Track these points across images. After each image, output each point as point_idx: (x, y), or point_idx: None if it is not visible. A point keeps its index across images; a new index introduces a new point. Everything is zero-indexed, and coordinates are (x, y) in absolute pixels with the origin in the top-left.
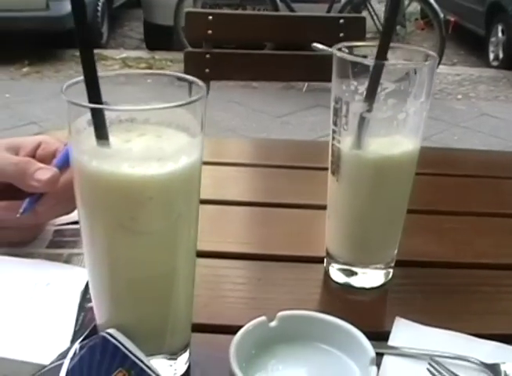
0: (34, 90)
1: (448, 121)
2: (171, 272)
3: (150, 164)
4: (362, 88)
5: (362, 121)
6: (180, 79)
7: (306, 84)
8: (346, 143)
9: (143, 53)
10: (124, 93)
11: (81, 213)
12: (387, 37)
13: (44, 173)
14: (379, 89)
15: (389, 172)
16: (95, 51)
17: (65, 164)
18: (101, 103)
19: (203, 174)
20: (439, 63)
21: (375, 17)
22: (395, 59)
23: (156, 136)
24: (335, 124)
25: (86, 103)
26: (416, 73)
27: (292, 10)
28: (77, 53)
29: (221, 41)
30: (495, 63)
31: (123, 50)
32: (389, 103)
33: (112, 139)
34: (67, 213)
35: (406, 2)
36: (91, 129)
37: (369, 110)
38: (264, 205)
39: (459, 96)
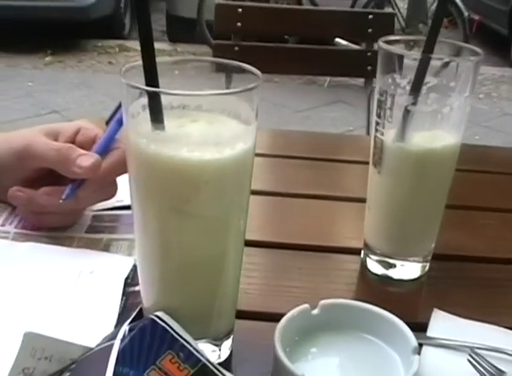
0: (57, 79)
1: (470, 120)
2: (220, 257)
3: (208, 148)
4: (407, 82)
5: (406, 113)
6: (233, 67)
7: (328, 79)
8: (389, 136)
9: (165, 45)
10: (173, 81)
11: (134, 196)
12: (435, 31)
13: (86, 160)
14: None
15: (431, 165)
16: (118, 42)
17: (105, 151)
18: (158, 87)
19: None
20: None
21: (398, 14)
22: (440, 54)
23: (207, 123)
24: (379, 116)
25: (145, 86)
26: (461, 68)
27: (315, 5)
28: (100, 44)
29: (250, 34)
30: None
31: None
32: (433, 96)
33: (165, 124)
34: (108, 199)
35: (430, 1)
36: (146, 114)
37: (414, 103)
38: (302, 197)
39: (481, 96)
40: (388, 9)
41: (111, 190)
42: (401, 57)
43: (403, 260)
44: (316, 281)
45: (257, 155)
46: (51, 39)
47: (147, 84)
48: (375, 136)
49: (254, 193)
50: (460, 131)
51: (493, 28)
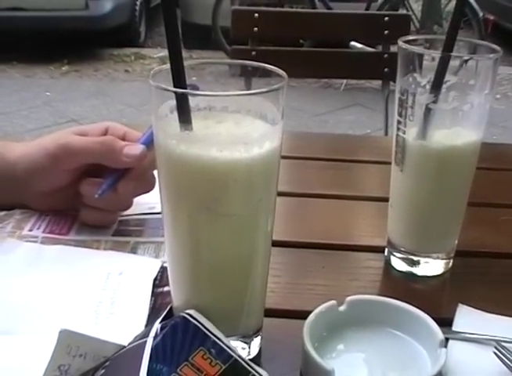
0: (74, 88)
1: (487, 120)
2: (249, 256)
3: (237, 147)
4: (427, 81)
5: (427, 111)
6: (258, 68)
7: (344, 83)
8: (411, 134)
9: None
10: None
11: (164, 196)
12: (454, 29)
13: (134, 149)
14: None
15: (452, 162)
16: (133, 50)
17: (149, 144)
18: (186, 88)
19: None
20: None
21: (413, 16)
22: (459, 52)
23: (234, 123)
24: (400, 115)
25: (174, 88)
26: (481, 66)
27: (330, 9)
28: (116, 52)
29: (267, 39)
30: None
31: (160, 49)
32: (453, 94)
33: (193, 125)
34: (147, 191)
35: (445, 2)
36: (174, 115)
37: (435, 102)
38: (324, 197)
39: (498, 96)
40: (403, 11)
41: (150, 183)
42: (421, 56)
43: (427, 257)
44: (341, 279)
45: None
46: (67, 49)
47: (175, 86)
48: (397, 135)
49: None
50: (481, 128)
51: (508, 28)
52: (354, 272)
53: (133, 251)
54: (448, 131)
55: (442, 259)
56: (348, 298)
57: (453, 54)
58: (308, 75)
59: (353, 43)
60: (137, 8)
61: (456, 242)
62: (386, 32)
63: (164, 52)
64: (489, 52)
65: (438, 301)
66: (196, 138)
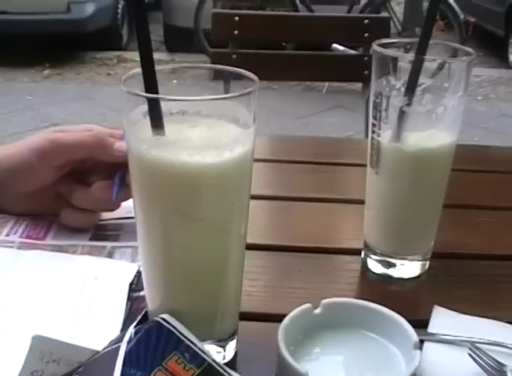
0: (56, 92)
1: (469, 122)
2: (223, 259)
3: (208, 152)
4: (401, 84)
5: (401, 114)
6: (231, 73)
7: (326, 85)
8: (386, 136)
9: (163, 55)
10: (172, 87)
11: (137, 200)
12: (427, 33)
13: (124, 144)
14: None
15: (427, 165)
16: (116, 53)
17: None
18: (157, 93)
19: None
20: None
21: (395, 18)
22: (433, 56)
23: (207, 127)
24: (375, 118)
25: (145, 94)
26: (454, 68)
27: (312, 11)
28: (98, 56)
29: (247, 42)
30: None
31: None
32: (427, 97)
33: (165, 130)
34: None
35: (426, 4)
36: (146, 120)
37: (409, 104)
38: (303, 200)
39: (479, 97)
40: (385, 14)
41: None
42: (394, 59)
43: (403, 259)
44: (318, 282)
45: (258, 160)
46: (49, 52)
47: (147, 91)
48: (371, 138)
49: (255, 197)
50: (455, 130)
51: (489, 30)
52: (332, 275)
53: (110, 255)
54: (422, 133)
55: (418, 261)
56: (324, 301)
57: (426, 57)
58: (290, 78)
59: (335, 45)
60: (119, 11)
61: (433, 244)
62: (366, 35)
63: None
64: (463, 55)
65: (414, 303)
66: (167, 143)
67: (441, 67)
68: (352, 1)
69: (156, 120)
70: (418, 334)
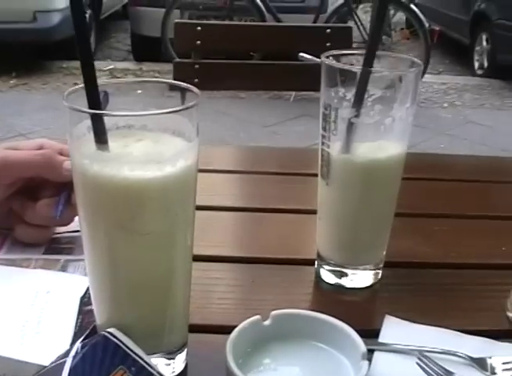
0: (22, 102)
1: (435, 129)
2: (169, 272)
3: (149, 167)
4: (350, 95)
5: (350, 126)
6: (174, 87)
7: (293, 94)
8: (335, 148)
9: (131, 65)
10: (119, 102)
11: (82, 215)
12: (373, 45)
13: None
14: (366, 95)
15: (377, 175)
16: None
17: None
18: (100, 109)
19: None
20: (424, 72)
21: (361, 27)
22: (382, 67)
23: (153, 142)
24: (324, 129)
25: (87, 109)
26: (401, 79)
27: (279, 21)
28: (65, 65)
29: (210, 52)
30: (480, 72)
31: (110, 62)
32: (376, 108)
33: (110, 144)
34: None
35: (392, 12)
36: (91, 135)
37: (357, 116)
38: (254, 210)
39: (445, 105)
40: (351, 23)
41: None
42: (343, 71)
43: (355, 269)
44: (272, 293)
45: (218, 172)
46: (15, 62)
47: (90, 107)
48: (321, 149)
49: (208, 208)
50: (405, 140)
51: (455, 38)
52: (284, 286)
53: (63, 269)
54: (371, 144)
55: (371, 270)
56: (273, 313)
57: (373, 69)
58: (257, 88)
59: (302, 54)
60: (86, 20)
61: (385, 253)
62: (328, 44)
63: (114, 65)
64: (412, 66)
65: (366, 313)
66: (108, 158)
67: (394, 78)
68: (319, 11)
69: (100, 135)
70: (369, 343)
